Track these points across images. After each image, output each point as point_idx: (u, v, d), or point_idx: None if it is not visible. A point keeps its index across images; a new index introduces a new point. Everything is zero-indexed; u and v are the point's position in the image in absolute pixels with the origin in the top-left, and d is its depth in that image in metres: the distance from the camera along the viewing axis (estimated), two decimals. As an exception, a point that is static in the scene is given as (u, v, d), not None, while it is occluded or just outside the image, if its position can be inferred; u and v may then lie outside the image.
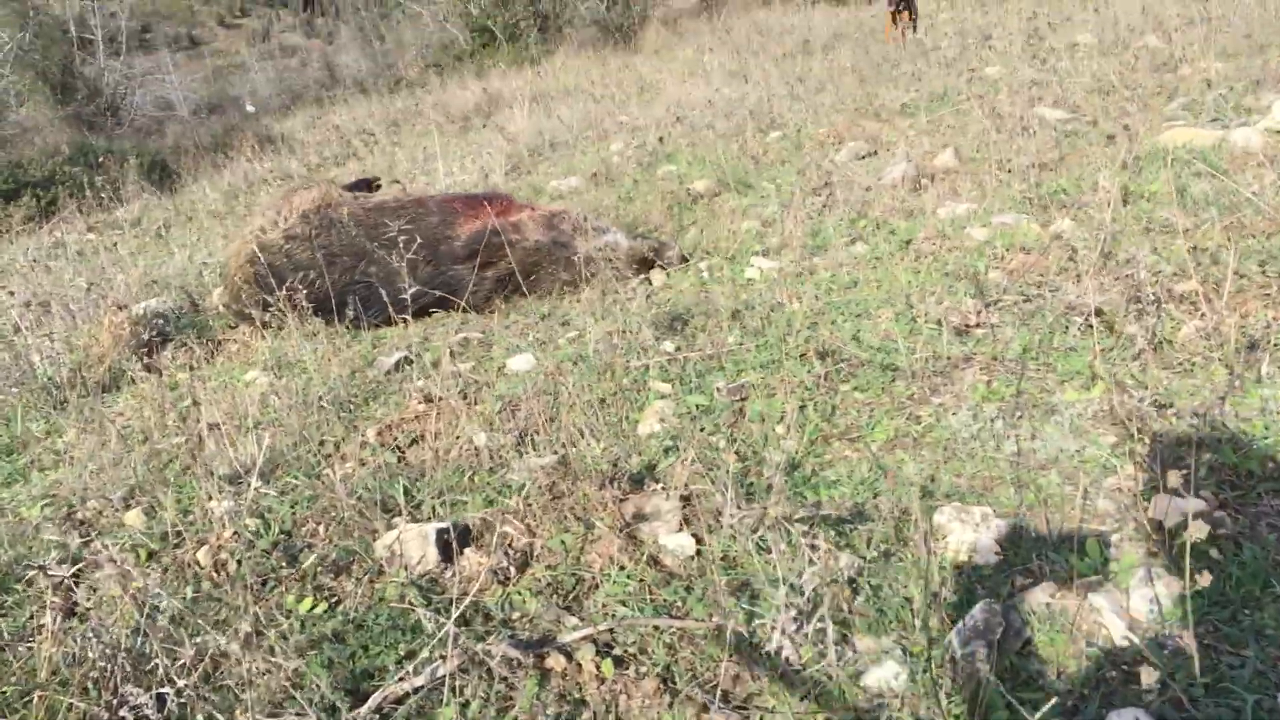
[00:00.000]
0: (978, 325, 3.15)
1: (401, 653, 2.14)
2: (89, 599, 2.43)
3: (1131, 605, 1.94)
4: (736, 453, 2.68)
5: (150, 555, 2.66)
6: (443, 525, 2.49)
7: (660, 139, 7.07)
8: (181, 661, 2.01)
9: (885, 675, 1.89)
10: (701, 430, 2.83)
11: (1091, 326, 2.93)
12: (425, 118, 11.85)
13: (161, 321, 4.64)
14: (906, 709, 1.82)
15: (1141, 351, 2.75)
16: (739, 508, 2.26)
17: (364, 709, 1.95)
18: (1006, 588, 2.07)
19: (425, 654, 2.09)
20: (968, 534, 2.21)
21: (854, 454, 2.65)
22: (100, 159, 10.36)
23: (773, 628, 2.01)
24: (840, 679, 1.90)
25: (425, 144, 9.15)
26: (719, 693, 1.94)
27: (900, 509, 2.36)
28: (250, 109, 19.61)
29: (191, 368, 4.16)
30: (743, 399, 3.00)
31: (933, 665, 1.86)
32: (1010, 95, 5.71)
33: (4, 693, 2.17)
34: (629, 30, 16.24)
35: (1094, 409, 2.59)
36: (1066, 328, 3.02)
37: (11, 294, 4.77)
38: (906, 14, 10.60)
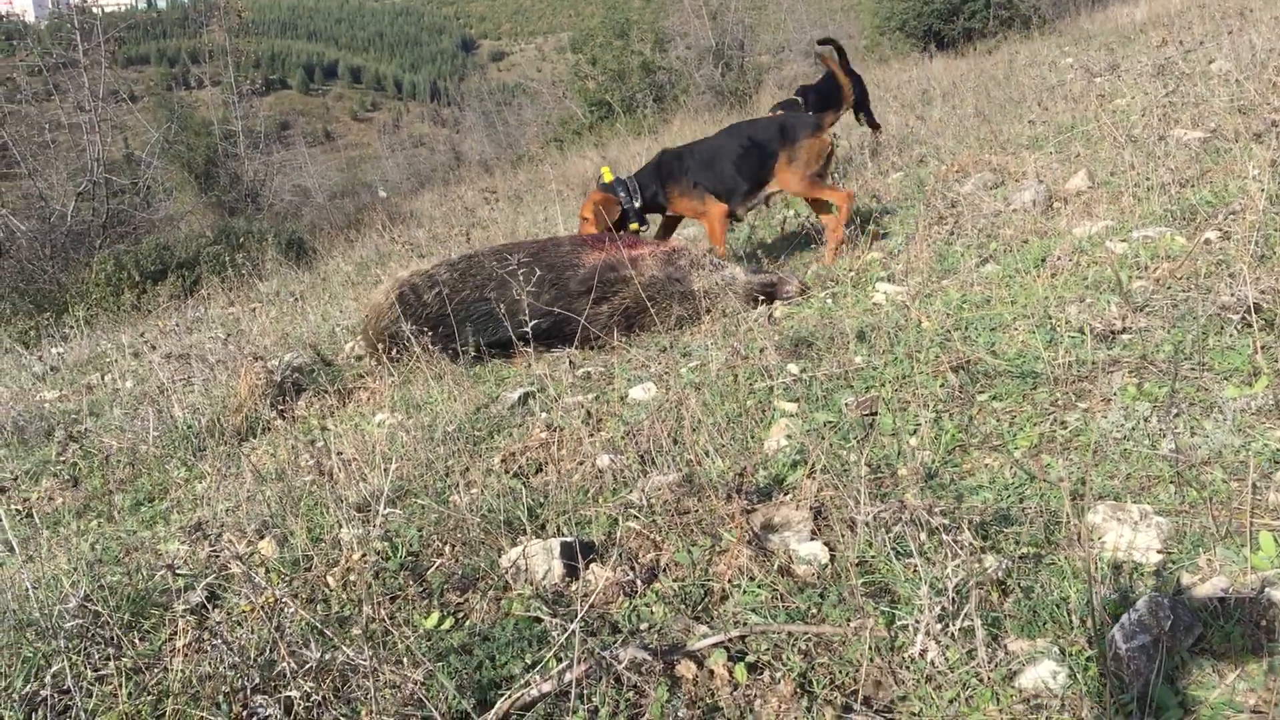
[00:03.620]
0: (1124, 330, 2.98)
1: (528, 661, 2.08)
2: (221, 620, 2.45)
3: (1319, 597, 1.76)
4: (868, 464, 2.56)
5: (283, 578, 2.67)
6: (567, 539, 2.43)
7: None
8: (308, 666, 1.99)
9: (1042, 675, 1.74)
10: (830, 444, 2.72)
11: (1249, 324, 2.73)
12: (547, 187, 12.09)
13: (296, 373, 4.76)
14: (1067, 710, 1.67)
15: (1308, 345, 2.55)
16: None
17: (491, 714, 1.89)
18: (1173, 585, 1.90)
19: (552, 661, 2.02)
20: (1126, 532, 2.05)
21: (995, 462, 2.51)
22: (241, 239, 10.85)
23: (915, 630, 1.88)
24: (992, 680, 1.76)
25: (547, 210, 9.32)
26: (860, 697, 1.81)
27: (1049, 511, 2.21)
28: (382, 194, 20.41)
29: (324, 414, 4.24)
30: (873, 414, 2.88)
31: (1095, 664, 1.71)
32: (1143, 119, 5.50)
33: (139, 710, 2.18)
34: (744, 94, 16.36)
35: (1258, 404, 2.39)
36: (1222, 327, 2.82)
37: (154, 348, 4.97)
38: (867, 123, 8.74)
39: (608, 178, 5.28)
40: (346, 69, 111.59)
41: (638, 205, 5.14)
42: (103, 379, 6.00)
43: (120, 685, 2.14)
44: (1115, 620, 1.79)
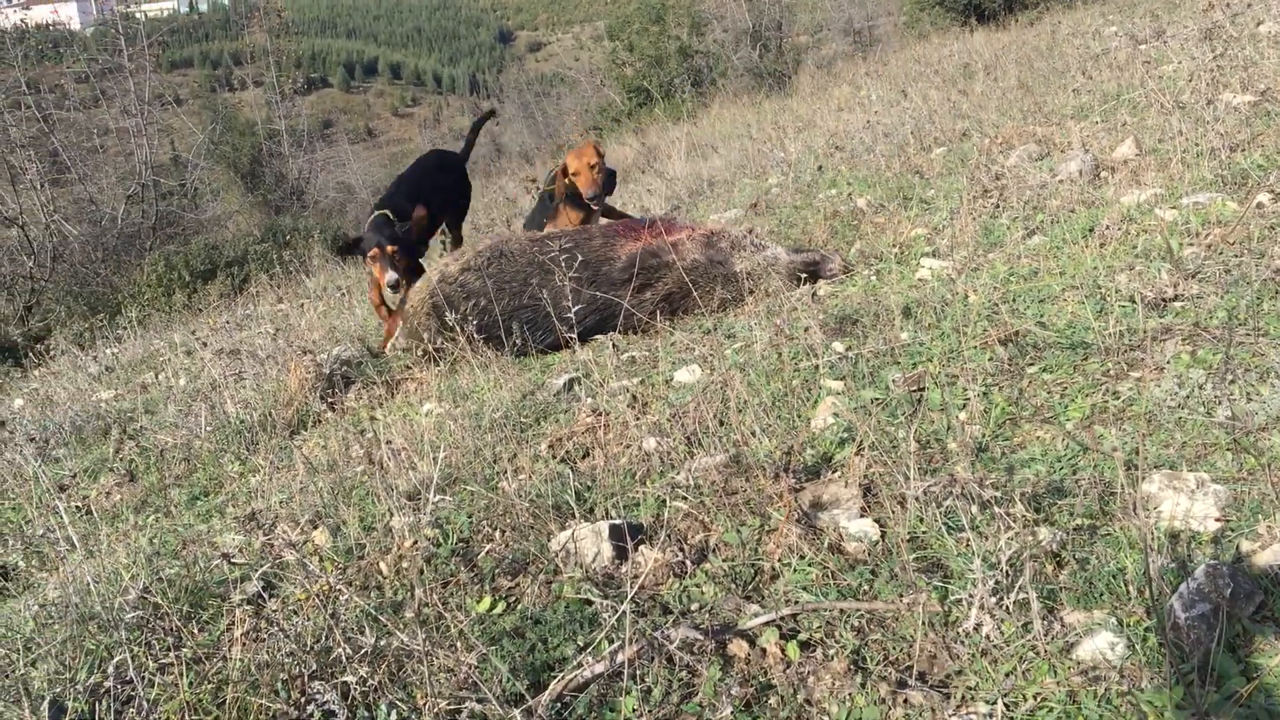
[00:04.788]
0: (1175, 298, 2.92)
1: (580, 643, 2.09)
2: (277, 609, 2.48)
3: (1385, 561, 1.72)
4: (917, 439, 2.54)
5: (336, 567, 2.70)
6: (616, 522, 2.44)
7: (820, 167, 6.97)
8: (364, 651, 2.01)
9: (1100, 646, 1.71)
10: (878, 421, 2.70)
11: (1307, 287, 2.67)
12: (587, 175, 12.09)
13: (344, 366, 4.81)
14: (1127, 681, 1.64)
15: (1369, 307, 2.49)
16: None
17: (545, 696, 1.90)
18: (1232, 552, 1.86)
19: (604, 643, 2.03)
20: (1183, 501, 2.02)
21: (1047, 434, 2.47)
22: (287, 237, 10.96)
23: (969, 604, 1.86)
24: (1049, 653, 1.74)
25: (588, 197, 9.31)
26: (914, 673, 1.80)
27: (1103, 482, 2.18)
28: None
29: (373, 405, 4.28)
30: (921, 389, 2.85)
31: (1154, 634, 1.68)
32: (1191, 84, 5.38)
33: (200, 699, 2.22)
34: (783, 75, 16.25)
35: (1318, 368, 2.34)
36: (1277, 291, 2.76)
37: (204, 345, 5.04)
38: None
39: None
40: (386, 65, 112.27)
41: None
42: (156, 377, 6.10)
43: (181, 675, 2.17)
44: (1174, 590, 1.76)
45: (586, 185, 5.33)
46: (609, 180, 5.59)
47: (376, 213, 5.31)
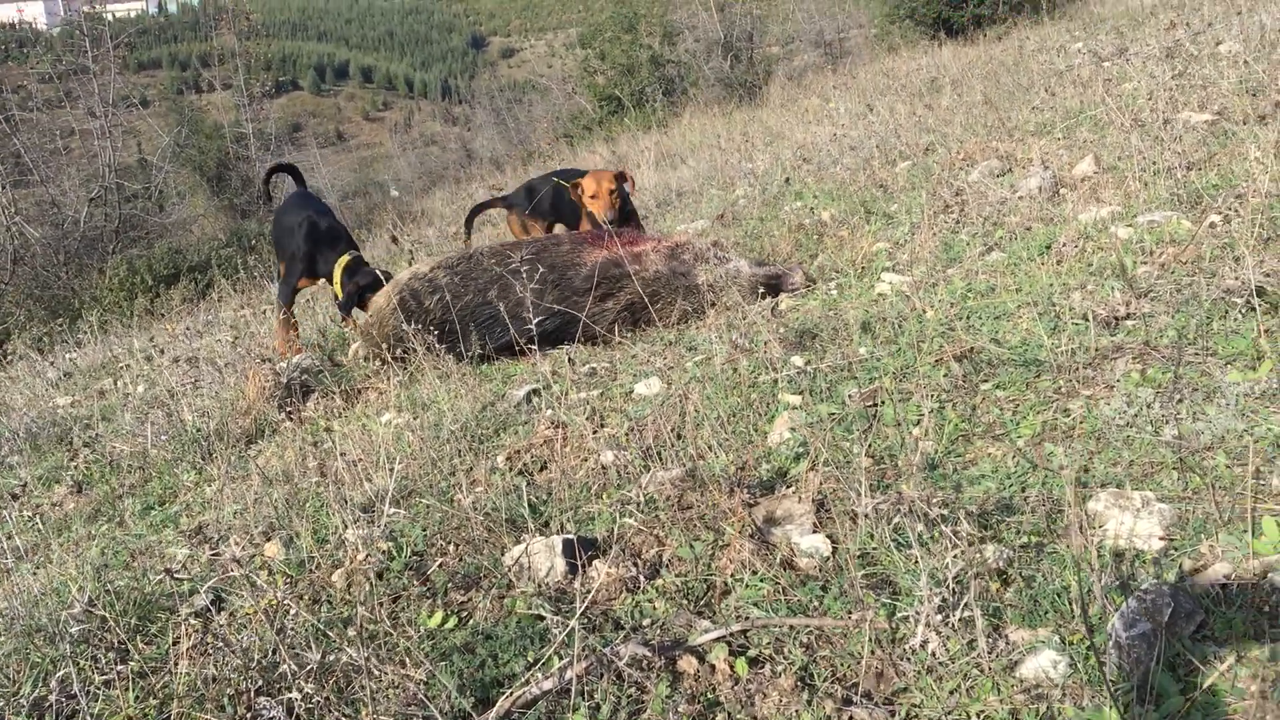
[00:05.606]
0: (1127, 316, 2.96)
1: (530, 659, 2.08)
2: (225, 623, 2.46)
3: (1321, 581, 1.74)
4: (870, 455, 2.56)
5: (287, 580, 2.68)
6: (569, 537, 2.43)
7: (786, 179, 7.01)
8: (309, 667, 2.00)
9: (1043, 665, 1.73)
10: (833, 436, 2.72)
11: (1254, 308, 2.71)
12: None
13: (304, 375, 4.78)
14: (1069, 699, 1.66)
15: (1314, 328, 2.53)
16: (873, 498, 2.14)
17: (492, 713, 1.90)
18: (1174, 572, 1.89)
19: (553, 659, 2.02)
20: (1127, 520, 2.04)
21: (998, 451, 2.50)
22: (253, 241, 10.89)
23: (916, 621, 1.87)
24: (993, 671, 1.75)
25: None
26: (860, 690, 1.81)
27: (1051, 500, 2.20)
28: (394, 193, 20.46)
29: (331, 415, 4.26)
30: (876, 405, 2.87)
31: (1095, 652, 1.70)
32: (1151, 102, 5.46)
33: (145, 714, 2.20)
34: (753, 86, 16.33)
35: (1261, 388, 2.37)
36: (1226, 311, 2.80)
37: (162, 352, 5.00)
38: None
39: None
40: (358, 69, 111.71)
41: None
42: (115, 384, 6.04)
43: (126, 689, 2.15)
44: (1116, 609, 1.78)
45: (602, 209, 5.21)
46: (625, 204, 5.46)
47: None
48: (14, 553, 3.01)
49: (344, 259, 5.30)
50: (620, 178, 5.30)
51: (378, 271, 5.25)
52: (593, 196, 5.21)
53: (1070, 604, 1.86)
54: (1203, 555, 1.91)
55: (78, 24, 15.08)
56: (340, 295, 5.28)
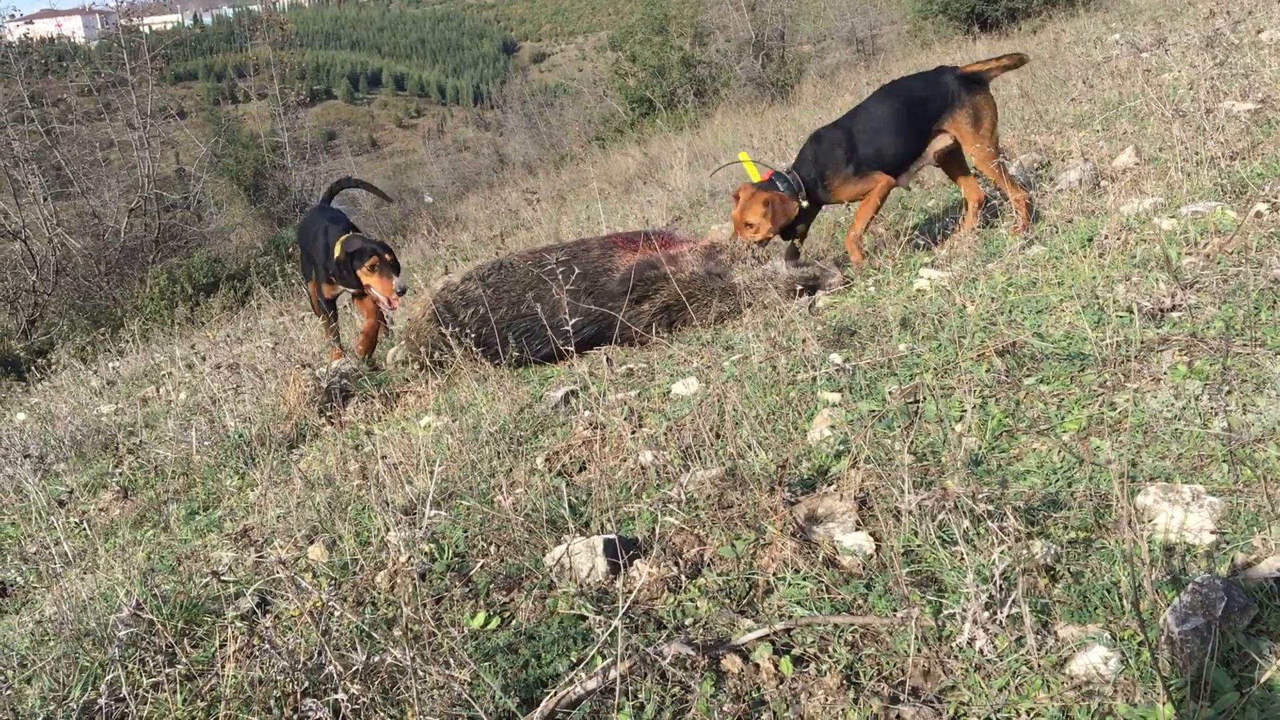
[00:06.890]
0: (1173, 308, 2.91)
1: (573, 659, 2.08)
2: (271, 625, 2.47)
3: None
4: (913, 452, 2.53)
5: (331, 582, 2.70)
6: (610, 537, 2.43)
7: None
8: (355, 669, 2.01)
9: (1093, 661, 1.70)
10: (874, 433, 2.69)
11: (1304, 297, 2.66)
12: (589, 186, 12.10)
13: (344, 380, 4.81)
14: (1120, 696, 1.63)
15: (1366, 316, 2.48)
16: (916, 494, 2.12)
17: (537, 713, 1.89)
18: (1226, 565, 1.85)
19: (597, 658, 2.02)
20: (1177, 514, 2.01)
21: (1043, 446, 2.47)
22: (290, 249, 10.98)
23: (963, 618, 1.85)
24: (1042, 668, 1.73)
25: (590, 209, 9.32)
26: (908, 688, 1.79)
27: (1098, 494, 2.17)
28: (428, 199, 20.57)
29: (370, 419, 4.28)
30: (917, 401, 2.84)
31: (1148, 647, 1.67)
32: (1192, 92, 5.37)
33: (193, 716, 2.21)
34: (785, 85, 16.26)
35: (1315, 378, 2.33)
36: (1275, 301, 2.75)
37: (203, 359, 5.05)
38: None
39: (753, 171, 4.89)
40: (390, 77, 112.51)
41: (804, 204, 4.51)
42: (158, 391, 6.11)
43: (174, 692, 2.17)
44: (1168, 604, 1.75)
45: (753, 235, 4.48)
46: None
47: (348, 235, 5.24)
48: (62, 558, 3.05)
49: (342, 238, 5.27)
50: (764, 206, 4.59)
51: (363, 240, 5.15)
52: (734, 220, 4.60)
53: (1120, 599, 1.83)
54: (1255, 549, 1.87)
55: (115, 37, 15.29)
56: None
